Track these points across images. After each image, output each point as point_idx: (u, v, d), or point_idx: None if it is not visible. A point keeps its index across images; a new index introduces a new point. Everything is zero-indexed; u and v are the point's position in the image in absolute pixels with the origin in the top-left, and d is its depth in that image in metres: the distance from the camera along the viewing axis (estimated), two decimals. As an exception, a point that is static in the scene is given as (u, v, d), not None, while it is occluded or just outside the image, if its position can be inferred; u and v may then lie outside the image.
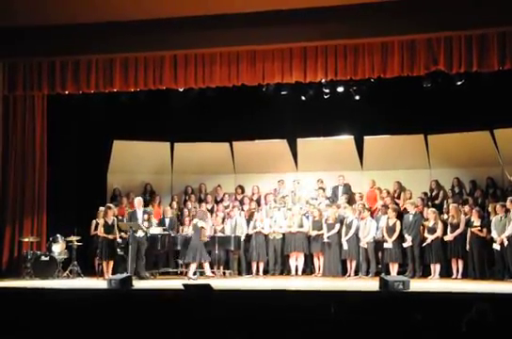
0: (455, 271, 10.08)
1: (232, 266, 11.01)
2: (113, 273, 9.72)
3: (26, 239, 10.37)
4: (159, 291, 8.34)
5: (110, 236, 10.08)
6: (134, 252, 9.77)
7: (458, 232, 10.05)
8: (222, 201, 11.93)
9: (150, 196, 12.06)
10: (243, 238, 10.91)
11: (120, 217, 10.57)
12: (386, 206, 10.76)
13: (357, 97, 11.20)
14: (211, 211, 11.65)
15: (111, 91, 10.47)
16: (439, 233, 10.15)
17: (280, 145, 12.30)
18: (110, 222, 10.15)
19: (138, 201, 10.43)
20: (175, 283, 8.61)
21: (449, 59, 9.11)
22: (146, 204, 11.60)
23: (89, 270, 10.57)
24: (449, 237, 10.10)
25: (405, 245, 10.27)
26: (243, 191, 12.10)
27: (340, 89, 10.97)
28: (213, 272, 10.58)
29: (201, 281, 9.50)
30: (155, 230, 10.67)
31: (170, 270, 11.12)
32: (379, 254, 10.57)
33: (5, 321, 5.45)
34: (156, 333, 5.24)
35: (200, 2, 9.17)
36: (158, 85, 10.19)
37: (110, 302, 6.83)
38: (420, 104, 11.13)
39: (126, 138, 12.10)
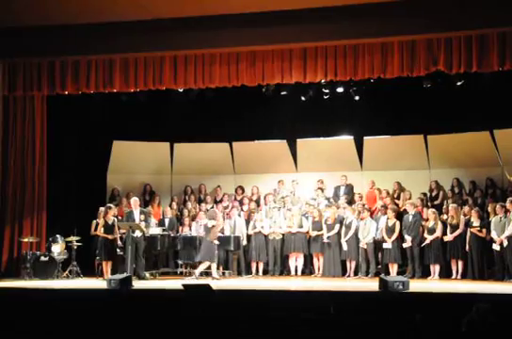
0: (454, 272, 10.09)
1: (231, 266, 11.01)
2: (112, 273, 9.71)
3: (26, 239, 10.36)
4: (159, 291, 8.34)
5: (110, 237, 10.08)
6: (132, 253, 9.77)
7: (458, 232, 10.06)
8: (222, 201, 11.94)
9: (149, 196, 12.07)
10: (244, 240, 10.89)
11: (120, 218, 10.57)
12: (385, 207, 10.77)
13: (356, 97, 11.21)
14: (210, 211, 11.65)
15: (111, 92, 10.47)
16: (438, 233, 10.16)
17: (280, 145, 12.30)
18: (110, 222, 10.14)
19: (134, 201, 10.42)
20: (175, 284, 8.61)
21: (449, 60, 9.12)
22: (146, 205, 11.63)
23: (89, 270, 10.56)
24: (449, 238, 10.11)
25: (404, 245, 10.28)
26: (243, 192, 12.10)
27: (339, 90, 10.98)
28: (223, 273, 10.57)
29: (201, 281, 9.50)
30: (155, 230, 10.67)
31: (170, 271, 11.12)
32: (379, 255, 10.57)
33: (4, 321, 5.44)
34: (156, 333, 5.24)
35: (199, 2, 9.17)
36: (158, 85, 10.19)
37: (110, 302, 6.83)
38: (419, 105, 11.14)
39: (126, 139, 12.10)
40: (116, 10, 9.34)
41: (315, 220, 10.89)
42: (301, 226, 10.93)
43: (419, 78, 9.90)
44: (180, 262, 11.07)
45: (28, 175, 10.75)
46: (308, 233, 10.92)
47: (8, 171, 10.69)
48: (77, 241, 10.47)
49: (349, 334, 4.92)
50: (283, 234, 11.01)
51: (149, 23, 9.55)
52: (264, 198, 11.74)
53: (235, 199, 11.98)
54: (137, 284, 8.76)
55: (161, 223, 11.20)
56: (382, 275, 9.17)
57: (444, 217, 10.43)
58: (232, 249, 10.77)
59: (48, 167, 10.92)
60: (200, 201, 12.05)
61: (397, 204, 11.11)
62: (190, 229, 11.17)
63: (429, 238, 10.18)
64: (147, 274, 10.30)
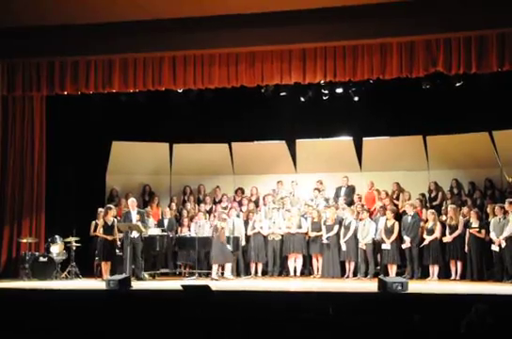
0: (453, 272, 10.09)
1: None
2: (111, 274, 9.70)
3: (25, 240, 10.35)
4: (158, 292, 8.34)
5: (109, 237, 10.07)
6: (130, 253, 9.76)
7: (457, 233, 10.06)
8: (221, 201, 11.93)
9: (148, 197, 12.07)
10: (243, 241, 10.89)
11: (119, 218, 10.56)
12: (384, 207, 10.77)
13: (356, 98, 11.20)
14: (209, 212, 11.65)
15: (110, 92, 10.46)
16: (437, 234, 10.16)
17: (279, 146, 12.30)
18: (110, 223, 10.14)
19: (132, 201, 10.40)
20: (174, 284, 8.60)
21: (448, 61, 9.12)
22: (145, 205, 11.62)
23: (88, 271, 10.55)
24: (448, 239, 10.11)
25: (403, 246, 10.28)
26: (243, 193, 12.10)
27: (339, 91, 10.97)
28: (222, 274, 10.58)
29: (200, 282, 9.50)
30: (154, 231, 10.66)
31: (169, 271, 11.11)
32: (378, 256, 10.57)
33: (3, 322, 5.44)
34: (155, 334, 5.23)
35: (198, 3, 9.16)
36: (157, 86, 10.18)
37: (109, 303, 6.83)
38: (419, 106, 11.14)
39: (125, 139, 12.09)
40: (115, 11, 9.33)
41: (314, 221, 10.89)
42: (300, 227, 10.93)
43: (418, 79, 9.91)
44: (179, 262, 11.07)
45: (27, 175, 10.75)
46: (307, 233, 10.92)
47: (7, 172, 10.69)
48: (76, 242, 10.45)
49: (348, 335, 4.92)
50: (282, 235, 11.01)
51: (148, 23, 9.54)
52: (263, 198, 11.74)
53: (234, 199, 11.98)
54: (136, 285, 8.75)
55: (160, 224, 11.20)
56: (381, 276, 9.17)
57: (443, 217, 10.43)
58: (230, 249, 10.76)
59: (47, 167, 10.92)
60: (199, 202, 12.05)
61: (396, 205, 11.12)
62: (189, 229, 11.17)
63: (428, 239, 10.18)
64: (146, 275, 10.30)
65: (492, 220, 9.71)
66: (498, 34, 8.88)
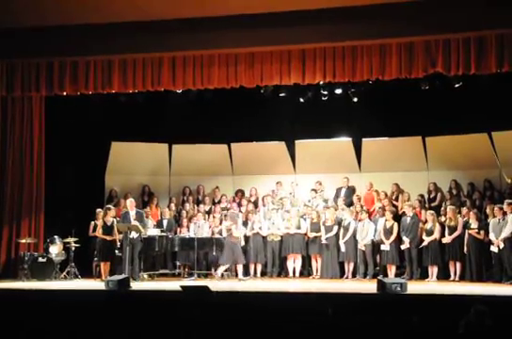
0: (452, 273, 10.10)
1: (229, 267, 10.98)
2: (111, 274, 9.70)
3: (24, 240, 10.35)
4: (157, 292, 8.34)
5: (108, 238, 10.07)
6: (129, 254, 9.76)
7: (456, 234, 10.07)
8: (220, 202, 11.93)
9: (148, 197, 12.07)
10: (242, 241, 10.88)
11: (118, 219, 10.56)
12: (383, 208, 10.77)
13: (355, 99, 11.21)
14: (208, 212, 11.65)
15: (109, 92, 10.46)
16: (436, 235, 10.17)
17: (279, 147, 12.30)
18: (109, 223, 10.14)
19: (130, 202, 10.40)
20: (173, 285, 8.60)
21: (447, 62, 9.12)
22: (144, 206, 11.62)
23: (87, 272, 10.55)
24: (447, 240, 10.11)
25: (402, 247, 10.28)
26: (243, 195, 12.11)
27: (338, 91, 10.98)
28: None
29: (199, 282, 9.50)
30: (153, 231, 10.66)
31: (168, 272, 11.10)
32: (377, 256, 10.58)
33: (2, 322, 5.44)
34: (154, 335, 5.23)
35: (198, 4, 9.17)
36: (156, 86, 10.18)
37: (108, 303, 6.83)
38: (418, 107, 11.14)
39: (124, 140, 12.10)
40: (114, 11, 9.34)
41: (313, 222, 10.89)
42: (299, 227, 10.93)
43: (417, 80, 9.91)
44: (178, 263, 11.07)
45: (26, 176, 10.74)
46: (306, 234, 10.92)
47: (6, 172, 10.69)
48: (75, 242, 10.45)
49: (347, 336, 4.92)
50: (282, 236, 11.01)
51: (147, 24, 9.54)
52: (263, 199, 11.74)
53: (234, 200, 11.98)
54: (135, 286, 8.75)
55: (159, 224, 11.19)
56: (380, 277, 9.17)
57: (442, 218, 10.43)
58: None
59: (46, 167, 10.92)
60: (198, 203, 12.05)
61: (396, 206, 11.12)
62: (188, 230, 11.18)
63: (427, 240, 10.18)
64: (144, 275, 10.30)
65: (491, 221, 9.71)
66: (497, 35, 8.89)
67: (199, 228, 11.06)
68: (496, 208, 9.69)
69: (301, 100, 11.33)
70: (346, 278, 10.50)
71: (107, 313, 5.98)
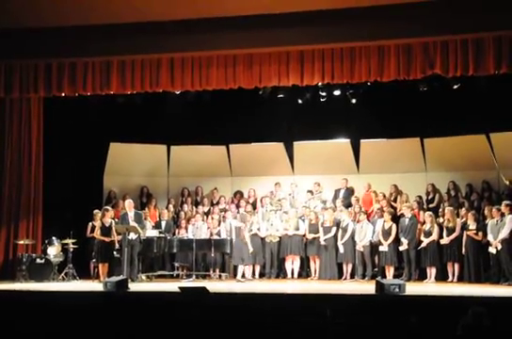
0: (450, 275, 10.11)
1: (227, 268, 11.00)
2: (109, 276, 9.69)
3: (22, 242, 10.34)
4: (155, 294, 8.33)
5: (106, 239, 10.07)
6: (128, 255, 9.75)
7: (454, 235, 10.08)
8: (218, 203, 11.93)
9: (146, 198, 12.06)
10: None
11: (116, 220, 10.55)
12: (382, 209, 10.78)
13: (353, 100, 11.22)
14: (207, 214, 11.65)
15: (108, 94, 10.45)
16: (434, 236, 10.17)
17: (277, 148, 12.31)
18: (107, 225, 10.13)
19: (129, 203, 10.39)
20: (171, 286, 8.59)
21: (445, 63, 9.13)
22: (142, 207, 11.62)
23: (85, 273, 10.54)
24: (445, 241, 10.12)
25: (401, 248, 10.29)
26: (242, 197, 12.11)
27: (336, 93, 11.01)
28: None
29: (198, 283, 9.49)
30: (151, 232, 10.65)
31: (166, 273, 11.09)
32: (375, 258, 10.58)
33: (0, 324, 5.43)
34: (152, 336, 5.23)
35: (196, 5, 9.17)
36: (155, 87, 10.17)
37: (106, 305, 6.82)
38: (416, 108, 11.16)
39: (123, 141, 12.10)
40: (112, 13, 9.33)
41: (312, 223, 10.89)
42: (298, 229, 10.94)
43: (415, 81, 9.93)
44: (176, 264, 11.06)
45: (24, 177, 10.73)
46: (304, 235, 10.92)
47: (4, 173, 10.67)
48: (73, 243, 10.44)
49: (346, 337, 4.92)
50: (280, 237, 11.01)
51: (146, 25, 9.54)
52: (261, 200, 11.74)
53: (232, 201, 11.99)
54: (133, 287, 8.74)
55: (157, 226, 11.19)
56: (378, 278, 9.17)
57: (440, 220, 10.44)
58: (227, 251, 10.77)
59: (44, 168, 10.91)
60: (196, 204, 12.05)
61: (395, 207, 11.13)
62: (186, 231, 11.17)
63: (425, 241, 10.19)
64: (143, 276, 10.30)
65: (489, 222, 9.72)
66: (495, 37, 8.90)
67: (197, 229, 11.06)
68: (494, 209, 9.70)
69: (300, 101, 11.34)
70: (345, 279, 10.50)
71: (105, 314, 5.98)
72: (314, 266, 10.83)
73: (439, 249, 10.18)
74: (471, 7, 8.78)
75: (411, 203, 10.90)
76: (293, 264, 10.90)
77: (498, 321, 4.22)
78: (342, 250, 10.54)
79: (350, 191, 11.77)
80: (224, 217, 11.33)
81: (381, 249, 10.29)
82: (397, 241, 10.31)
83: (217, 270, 10.89)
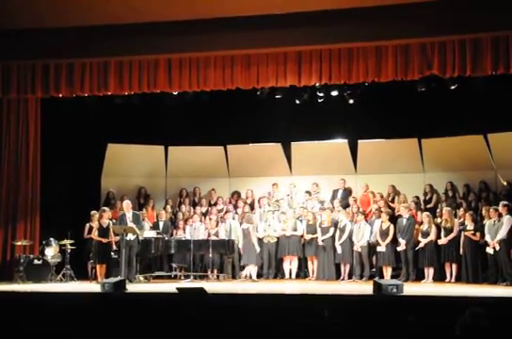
0: (448, 275, 10.11)
1: (225, 269, 10.99)
2: (106, 277, 9.68)
3: (19, 243, 10.32)
4: (153, 295, 8.32)
5: (104, 240, 10.06)
6: (126, 256, 9.74)
7: (452, 235, 10.09)
8: (216, 204, 11.93)
9: (144, 199, 12.05)
10: (240, 244, 10.89)
11: (114, 221, 10.54)
12: (380, 210, 10.79)
13: (351, 101, 11.23)
14: (205, 214, 11.64)
15: (105, 94, 10.45)
16: (432, 236, 10.18)
17: (275, 149, 12.31)
18: (105, 226, 10.12)
19: (126, 204, 10.37)
20: (169, 287, 8.59)
21: (443, 64, 9.15)
22: (140, 208, 11.61)
23: (83, 274, 10.53)
24: (443, 241, 10.13)
25: (398, 249, 10.29)
26: (239, 197, 12.10)
27: (334, 93, 11.00)
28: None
29: (196, 284, 9.49)
30: (149, 233, 10.65)
31: (164, 274, 11.08)
32: (373, 258, 10.59)
33: (-3, 325, 5.42)
34: (150, 337, 5.23)
35: (194, 6, 9.17)
36: (152, 88, 10.17)
37: (104, 306, 6.81)
38: (414, 109, 11.17)
39: (120, 142, 12.09)
40: (110, 13, 9.33)
41: (310, 224, 10.90)
42: (296, 229, 10.94)
43: (413, 82, 9.93)
44: (174, 265, 11.06)
45: (22, 178, 10.71)
46: (302, 236, 10.92)
47: (1, 174, 10.66)
48: (71, 244, 10.43)
49: (343, 338, 4.92)
50: (278, 238, 11.01)
51: (144, 26, 9.54)
52: (259, 201, 11.74)
53: (230, 202, 11.98)
54: (131, 288, 8.73)
55: (155, 226, 11.18)
56: (376, 278, 9.17)
57: (438, 220, 10.45)
58: (226, 252, 10.77)
59: (42, 169, 10.89)
60: (194, 205, 12.05)
61: (393, 208, 11.13)
62: (184, 232, 11.16)
63: (423, 242, 10.20)
64: (140, 277, 10.29)
65: (487, 223, 9.73)
66: (492, 37, 8.91)
67: (195, 230, 11.06)
68: (491, 210, 9.71)
69: (297, 102, 11.35)
70: (342, 279, 10.50)
71: (103, 315, 5.97)
72: (312, 266, 10.83)
73: (436, 249, 10.19)
74: (468, 7, 8.80)
75: (409, 204, 10.90)
76: (291, 264, 10.91)
77: (496, 321, 4.22)
78: (339, 250, 10.54)
79: (348, 192, 11.78)
80: (223, 217, 11.33)
81: (379, 249, 10.29)
82: (395, 241, 10.32)
83: (215, 271, 10.89)
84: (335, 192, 11.84)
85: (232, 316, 5.55)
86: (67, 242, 10.37)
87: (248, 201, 11.88)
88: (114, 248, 10.27)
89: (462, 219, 10.14)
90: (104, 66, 10.15)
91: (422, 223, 10.42)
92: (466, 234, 9.94)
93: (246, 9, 9.16)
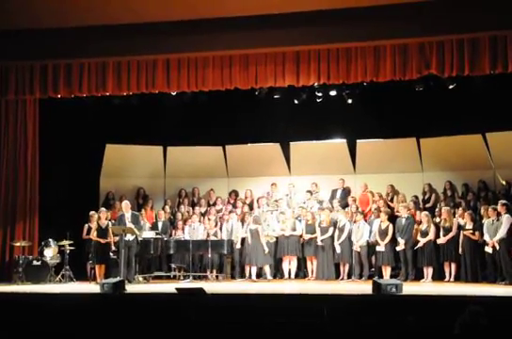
0: (447, 274, 10.12)
1: (225, 269, 10.99)
2: (105, 277, 9.67)
3: (18, 243, 10.31)
4: (152, 295, 8.31)
5: (102, 240, 10.05)
6: (125, 256, 9.73)
7: (451, 235, 10.09)
8: (215, 204, 11.93)
9: (143, 200, 12.05)
10: (239, 243, 10.89)
11: (113, 221, 10.53)
12: (378, 210, 10.79)
13: (349, 101, 11.24)
14: (203, 215, 11.64)
15: (104, 95, 10.44)
16: (431, 236, 10.19)
17: (273, 149, 12.31)
18: (104, 226, 10.12)
19: (125, 204, 10.36)
20: (168, 287, 8.58)
21: (441, 63, 9.15)
22: (139, 208, 11.60)
23: (82, 275, 10.52)
24: (441, 240, 10.14)
25: (397, 248, 10.30)
26: (237, 196, 12.10)
27: (332, 93, 11.01)
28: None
29: (195, 284, 9.48)
30: (148, 234, 10.64)
31: (163, 274, 11.08)
32: (372, 258, 10.59)
33: (-4, 326, 5.42)
34: (150, 337, 5.23)
35: (192, 6, 9.17)
36: (151, 88, 10.16)
37: (103, 306, 6.81)
38: (412, 108, 11.17)
39: (119, 142, 12.08)
40: (108, 14, 9.33)
41: (309, 223, 10.90)
42: (295, 229, 10.94)
43: (411, 81, 9.94)
44: (173, 265, 11.05)
45: (20, 179, 10.70)
46: (301, 236, 10.92)
47: (0, 175, 10.64)
48: (70, 245, 10.42)
49: (342, 337, 4.93)
50: (277, 238, 11.01)
51: (142, 26, 9.54)
52: (257, 201, 11.74)
53: (228, 202, 11.98)
54: (130, 288, 8.73)
55: (154, 227, 11.18)
56: (375, 278, 9.17)
57: (437, 219, 10.46)
58: (225, 252, 10.77)
59: (40, 170, 10.88)
60: (193, 205, 12.04)
61: (392, 207, 11.13)
62: (183, 232, 11.16)
63: (422, 241, 10.20)
64: (140, 278, 10.28)
65: (485, 222, 9.74)
66: (490, 36, 8.92)
67: (194, 230, 11.06)
68: (490, 209, 9.71)
69: (296, 102, 11.34)
70: (342, 279, 10.50)
71: (102, 316, 5.97)
72: (311, 266, 10.83)
73: (435, 248, 10.19)
74: (466, 7, 8.80)
75: (408, 203, 10.91)
76: (290, 264, 10.90)
77: (495, 320, 4.23)
78: (338, 250, 10.54)
79: (347, 191, 11.78)
80: (222, 218, 11.32)
81: (378, 249, 10.30)
82: (394, 241, 10.32)
83: (215, 271, 10.89)
84: (334, 192, 11.84)
85: (232, 316, 5.55)
86: (66, 243, 10.37)
87: (247, 202, 11.88)
88: (113, 248, 10.26)
89: (461, 219, 10.12)
90: (103, 66, 10.15)
91: (421, 223, 10.42)
92: (465, 233, 9.94)
93: (244, 9, 9.16)
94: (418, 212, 10.76)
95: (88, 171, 11.93)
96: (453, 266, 10.06)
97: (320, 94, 11.07)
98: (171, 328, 5.32)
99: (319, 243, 10.69)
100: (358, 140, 11.92)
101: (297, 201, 11.79)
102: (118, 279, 8.66)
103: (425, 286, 9.64)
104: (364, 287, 8.68)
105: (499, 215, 9.56)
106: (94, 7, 9.17)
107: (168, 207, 11.82)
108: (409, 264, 10.26)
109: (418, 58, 9.23)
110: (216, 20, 9.37)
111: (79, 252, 10.67)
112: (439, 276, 10.18)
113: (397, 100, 11.09)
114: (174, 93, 10.74)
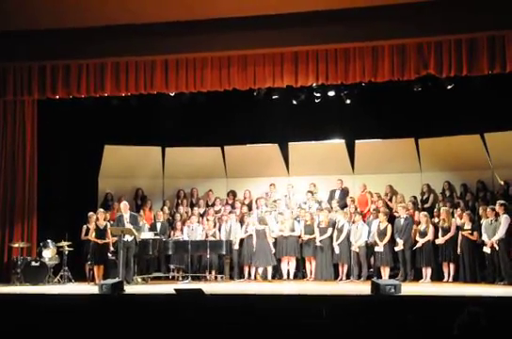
0: (446, 275, 10.12)
1: (224, 270, 10.99)
2: (104, 278, 9.67)
3: (17, 245, 10.30)
4: (150, 296, 8.31)
5: (100, 241, 10.04)
6: (124, 257, 9.73)
7: (449, 235, 10.09)
8: (214, 205, 11.92)
9: (141, 201, 12.04)
10: (237, 244, 10.88)
11: (112, 222, 10.53)
12: (377, 210, 10.79)
13: (348, 101, 11.24)
14: (202, 215, 11.63)
15: (102, 96, 10.44)
16: (430, 236, 10.19)
17: (272, 149, 12.31)
18: (102, 227, 10.11)
19: (124, 205, 10.36)
20: (167, 288, 8.58)
21: (439, 64, 9.16)
22: (138, 209, 11.59)
23: (80, 275, 10.51)
24: (440, 241, 10.14)
25: (396, 249, 10.30)
26: (235, 197, 12.10)
27: (331, 94, 11.02)
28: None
29: (194, 285, 9.48)
30: (147, 234, 10.64)
31: (162, 275, 11.07)
32: (371, 258, 10.59)
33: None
34: (148, 338, 5.22)
35: (190, 7, 9.17)
36: (149, 89, 10.17)
37: (101, 307, 6.80)
38: (410, 108, 11.19)
39: (117, 143, 12.07)
40: (107, 15, 9.32)
41: (307, 224, 10.90)
42: (293, 230, 10.93)
43: (410, 82, 9.95)
44: (172, 266, 11.04)
45: (19, 179, 10.69)
46: (300, 236, 10.92)
47: (-2, 176, 10.65)
48: (68, 246, 10.41)
49: (341, 338, 4.92)
50: (275, 238, 11.01)
51: (140, 27, 9.54)
52: (256, 202, 11.73)
53: (227, 202, 11.98)
54: (129, 289, 8.72)
55: (153, 227, 11.17)
56: (374, 278, 9.18)
57: (435, 220, 10.46)
58: (224, 253, 10.76)
59: (39, 171, 10.87)
60: (192, 205, 12.03)
61: (390, 208, 11.14)
62: (182, 233, 11.15)
63: (421, 241, 10.20)
64: (138, 278, 10.27)
65: (484, 222, 9.74)
66: (488, 37, 8.93)
67: (192, 231, 11.05)
68: (489, 209, 9.72)
69: (294, 102, 11.35)
70: (340, 280, 10.50)
71: (101, 316, 5.96)
72: (310, 266, 10.83)
73: (434, 249, 10.20)
74: (464, 7, 8.81)
75: (406, 204, 10.91)
76: (288, 265, 10.90)
77: (494, 320, 4.23)
78: (337, 250, 10.55)
79: (345, 192, 11.78)
80: (220, 218, 11.31)
81: (377, 249, 10.30)
82: (393, 241, 10.33)
83: (214, 272, 10.88)
84: (333, 192, 11.84)
85: (231, 317, 5.55)
86: (64, 244, 10.36)
87: (246, 202, 11.87)
88: (111, 249, 10.26)
89: (459, 219, 10.12)
90: (101, 67, 10.14)
91: (419, 223, 10.43)
92: (463, 233, 9.95)
93: (242, 10, 9.16)
94: (416, 212, 10.76)
95: (87, 172, 11.92)
96: (451, 266, 10.06)
97: (318, 95, 11.08)
98: (170, 329, 5.31)
99: (318, 243, 10.68)
100: (356, 141, 11.93)
101: (296, 201, 11.79)
102: (116, 280, 8.66)
103: (424, 287, 9.64)
104: (363, 288, 8.68)
105: (497, 215, 9.57)
106: (92, 8, 9.16)
107: (166, 208, 11.81)
108: (408, 264, 10.27)
109: (416, 59, 9.24)
110: (215, 20, 9.38)
111: (77, 253, 10.65)
112: (437, 276, 10.19)
113: (395, 100, 11.10)
114: (172, 94, 10.74)
